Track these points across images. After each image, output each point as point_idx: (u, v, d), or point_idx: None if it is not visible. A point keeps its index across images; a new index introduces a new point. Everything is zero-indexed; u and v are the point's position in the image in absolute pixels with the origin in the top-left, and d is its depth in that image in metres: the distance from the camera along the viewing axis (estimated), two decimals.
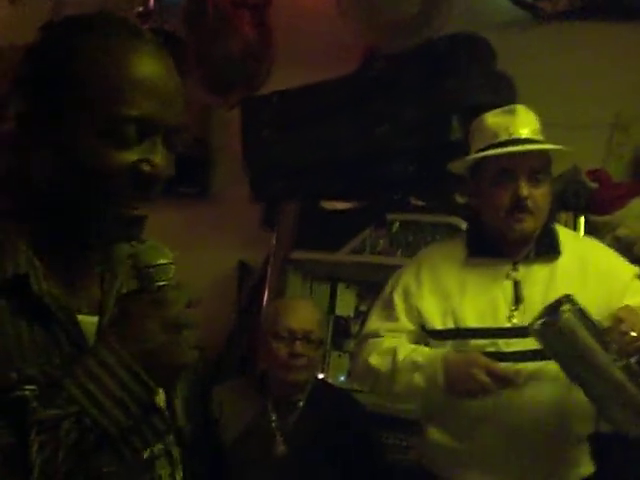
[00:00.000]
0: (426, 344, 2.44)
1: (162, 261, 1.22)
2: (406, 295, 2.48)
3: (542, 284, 2.36)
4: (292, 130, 3.74)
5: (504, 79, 3.52)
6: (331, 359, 3.63)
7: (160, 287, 1.21)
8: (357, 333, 3.64)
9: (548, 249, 2.42)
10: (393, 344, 2.42)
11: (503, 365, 2.22)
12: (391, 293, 2.52)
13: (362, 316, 3.65)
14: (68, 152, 1.20)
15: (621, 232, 3.15)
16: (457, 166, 2.53)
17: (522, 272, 2.39)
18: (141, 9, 4.21)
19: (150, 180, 1.22)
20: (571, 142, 2.44)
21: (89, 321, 1.27)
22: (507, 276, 2.40)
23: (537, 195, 2.34)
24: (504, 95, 3.48)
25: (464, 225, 3.36)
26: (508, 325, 2.33)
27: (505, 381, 2.18)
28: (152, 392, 1.17)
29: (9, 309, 1.17)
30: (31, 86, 1.25)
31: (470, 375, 2.19)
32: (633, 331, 2.07)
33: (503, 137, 2.36)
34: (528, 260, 2.40)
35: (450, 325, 2.39)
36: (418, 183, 3.57)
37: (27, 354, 1.17)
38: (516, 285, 2.38)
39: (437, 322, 2.41)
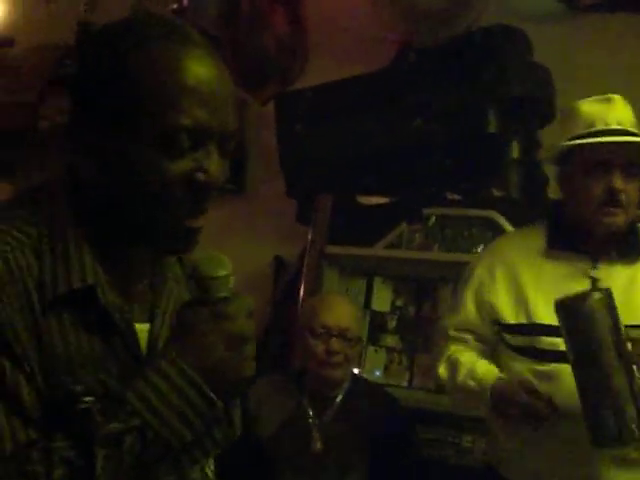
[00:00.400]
0: (496, 340, 2.42)
1: (222, 272, 1.20)
2: (479, 289, 2.43)
3: (622, 286, 2.24)
4: (327, 124, 3.73)
5: (541, 71, 3.49)
6: (367, 354, 3.61)
7: (221, 299, 1.19)
8: (393, 328, 3.64)
9: (631, 250, 2.32)
10: (456, 355, 2.41)
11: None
12: (463, 285, 2.48)
13: (398, 311, 3.65)
14: (117, 159, 1.18)
15: None
16: (548, 154, 2.46)
17: (602, 271, 2.29)
18: (175, 6, 4.23)
19: (205, 189, 1.20)
20: None
21: (141, 329, 1.27)
22: (586, 274, 2.29)
23: (631, 189, 2.25)
24: (541, 87, 3.45)
25: (501, 219, 3.34)
26: None
27: (537, 415, 2.14)
28: (214, 405, 1.17)
29: (72, 320, 1.17)
30: (78, 88, 1.23)
31: (506, 409, 2.18)
32: None
33: (599, 126, 2.26)
34: (610, 259, 2.31)
35: (523, 320, 2.33)
36: (454, 177, 3.55)
37: (87, 365, 1.17)
38: (594, 284, 2.26)
39: (510, 316, 2.35)
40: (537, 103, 3.48)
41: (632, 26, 3.62)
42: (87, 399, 1.14)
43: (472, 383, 2.31)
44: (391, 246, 3.57)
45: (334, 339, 2.87)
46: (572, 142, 2.29)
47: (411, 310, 3.62)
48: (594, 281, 2.28)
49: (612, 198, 2.23)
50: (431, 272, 3.54)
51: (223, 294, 1.19)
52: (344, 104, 3.69)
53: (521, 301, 2.34)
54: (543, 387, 2.22)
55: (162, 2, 4.21)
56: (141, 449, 1.12)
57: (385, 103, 3.59)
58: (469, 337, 2.45)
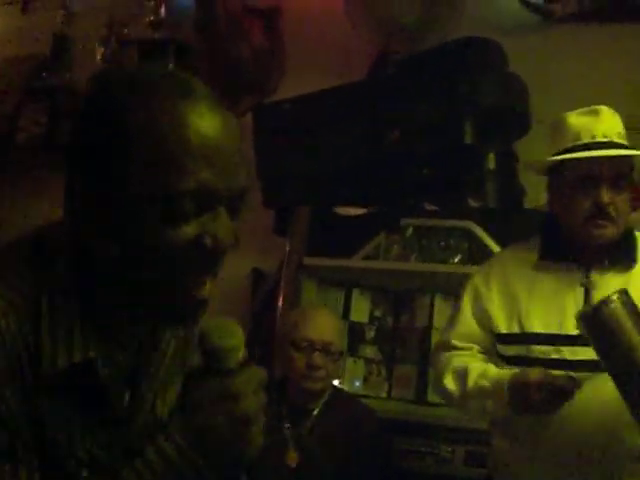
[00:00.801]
0: (494, 350, 2.41)
1: (232, 343, 1.13)
2: (475, 297, 2.43)
3: None
4: (304, 136, 3.73)
5: (516, 82, 3.51)
6: (346, 365, 3.61)
7: (229, 371, 1.12)
8: (372, 339, 3.64)
9: (624, 257, 2.32)
10: (464, 363, 2.38)
11: (557, 373, 2.16)
12: (462, 296, 2.49)
13: (376, 321, 3.65)
14: (118, 225, 1.10)
15: None
16: (535, 166, 2.46)
17: (595, 280, 2.30)
18: (152, 18, 4.23)
19: (213, 254, 1.11)
20: None
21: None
22: (579, 283, 2.30)
23: (619, 202, 2.24)
24: (517, 98, 3.48)
25: (478, 229, 3.35)
26: (575, 333, 2.20)
27: (562, 392, 2.12)
28: None
29: (66, 393, 1.11)
30: (78, 151, 1.14)
31: (527, 397, 2.14)
32: None
33: (586, 139, 2.26)
34: (602, 267, 2.31)
35: (515, 329, 2.33)
36: (431, 188, 3.56)
37: (80, 438, 1.12)
38: (587, 293, 2.28)
39: (503, 326, 2.36)
40: (513, 114, 3.50)
41: (606, 36, 3.65)
42: (83, 474, 1.09)
43: (486, 383, 2.29)
44: (369, 257, 3.57)
45: (317, 353, 2.87)
46: (558, 157, 2.29)
47: (389, 321, 3.61)
48: (587, 290, 2.29)
49: (601, 211, 2.23)
50: (409, 282, 3.55)
51: (231, 366, 1.13)
52: (322, 116, 3.70)
53: (514, 311, 2.35)
54: None
55: (139, 15, 4.21)
56: None
57: (362, 115, 3.60)
58: (473, 346, 2.44)
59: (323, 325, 2.95)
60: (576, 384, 2.13)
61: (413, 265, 3.49)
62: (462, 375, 2.36)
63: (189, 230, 1.09)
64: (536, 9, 3.79)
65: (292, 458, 2.82)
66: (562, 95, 3.41)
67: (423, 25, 3.65)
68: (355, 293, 3.71)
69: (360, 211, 3.69)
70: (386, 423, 3.08)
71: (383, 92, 3.62)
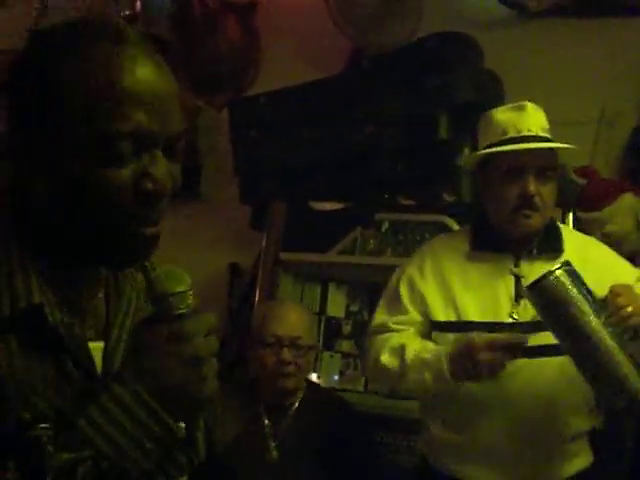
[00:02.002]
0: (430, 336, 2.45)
1: (180, 288, 1.14)
2: (411, 285, 2.48)
3: None
4: (280, 131, 3.73)
5: (491, 77, 3.53)
6: (323, 359, 3.62)
7: (178, 316, 1.13)
8: (348, 333, 3.65)
9: (551, 246, 2.42)
10: (401, 341, 2.42)
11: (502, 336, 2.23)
12: (396, 284, 2.53)
13: (353, 316, 3.66)
14: (61, 170, 1.11)
15: (610, 228, 3.15)
16: (467, 161, 2.59)
17: (524, 268, 2.39)
18: (128, 12, 4.21)
19: (153, 196, 1.13)
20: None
21: (95, 347, 1.20)
22: (509, 272, 2.40)
23: (544, 192, 2.35)
24: (492, 93, 3.49)
25: (453, 223, 3.37)
26: (509, 321, 2.34)
27: (511, 348, 2.18)
28: (171, 431, 1.11)
29: (19, 342, 1.10)
30: (17, 99, 1.16)
31: (474, 358, 2.18)
32: (630, 306, 2.09)
33: (512, 134, 2.37)
34: (531, 256, 2.41)
35: (452, 317, 2.40)
36: (406, 182, 3.57)
37: (38, 389, 1.11)
38: (518, 281, 2.38)
39: (439, 314, 2.42)
40: (487, 109, 3.51)
41: (582, 31, 3.67)
42: (39, 426, 1.06)
43: (425, 355, 2.33)
44: (345, 252, 3.58)
45: (285, 349, 2.83)
46: (485, 151, 2.41)
47: (365, 315, 3.62)
48: (518, 279, 2.38)
49: (527, 202, 2.33)
50: (385, 277, 3.54)
51: (180, 311, 1.14)
52: (297, 110, 3.70)
53: (450, 300, 2.42)
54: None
55: (114, 8, 4.19)
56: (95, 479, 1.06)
57: (337, 110, 3.60)
58: (410, 328, 2.48)
59: (290, 320, 2.91)
60: (524, 340, 2.20)
61: (389, 259, 3.50)
62: (400, 351, 2.40)
63: (127, 173, 1.11)
64: (512, 4, 3.80)
65: (273, 455, 2.81)
66: (537, 90, 3.43)
67: (385, 18, 3.67)
68: (331, 288, 3.72)
69: (336, 206, 3.70)
70: (363, 417, 3.09)
71: (358, 87, 3.63)
